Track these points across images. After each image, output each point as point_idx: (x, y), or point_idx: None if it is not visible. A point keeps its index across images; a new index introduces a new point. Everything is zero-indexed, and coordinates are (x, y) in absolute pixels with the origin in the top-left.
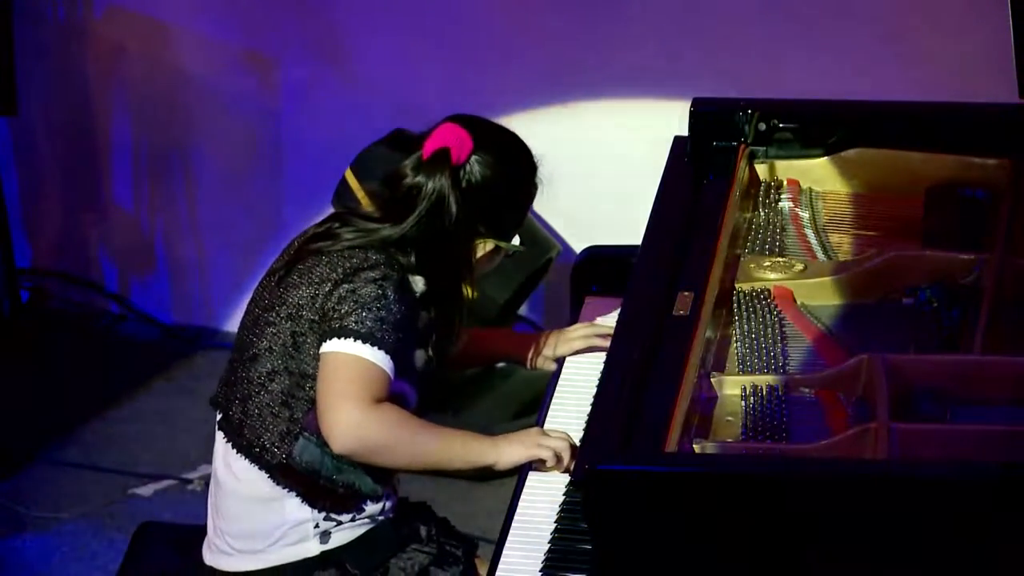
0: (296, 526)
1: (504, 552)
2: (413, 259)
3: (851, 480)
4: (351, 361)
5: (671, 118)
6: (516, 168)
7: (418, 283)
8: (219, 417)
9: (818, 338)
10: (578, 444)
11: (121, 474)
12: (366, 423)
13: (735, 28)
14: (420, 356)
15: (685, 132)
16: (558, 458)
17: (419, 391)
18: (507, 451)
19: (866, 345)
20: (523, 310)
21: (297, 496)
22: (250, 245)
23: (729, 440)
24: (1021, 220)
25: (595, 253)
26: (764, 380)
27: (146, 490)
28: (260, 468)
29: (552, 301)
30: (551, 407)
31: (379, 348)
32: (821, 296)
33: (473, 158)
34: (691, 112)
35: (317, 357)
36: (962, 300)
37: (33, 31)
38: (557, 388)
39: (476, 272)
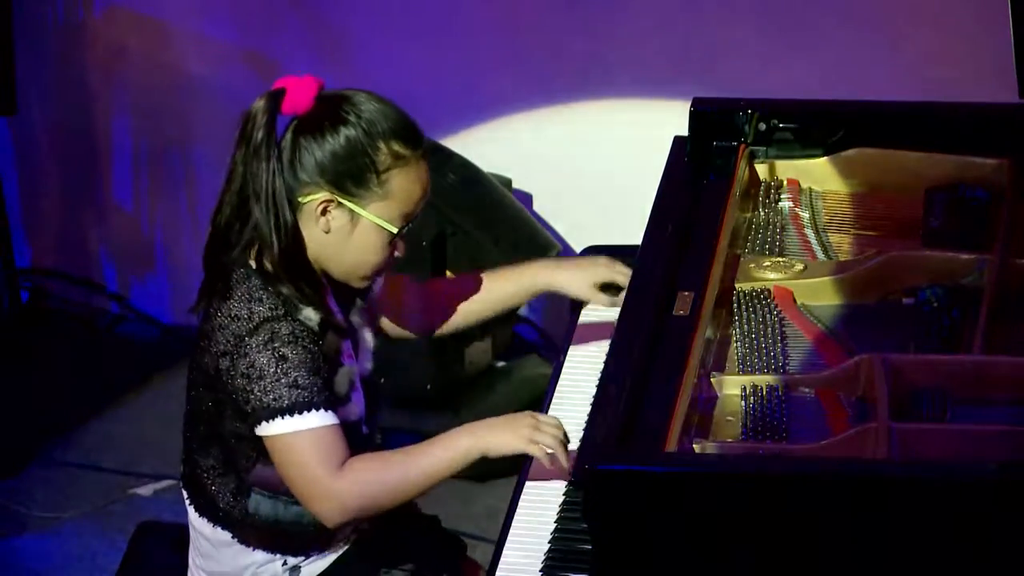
0: (264, 565)
1: (504, 552)
2: (286, 276)
3: (851, 480)
4: (295, 442)
5: (671, 118)
6: (355, 125)
7: (311, 318)
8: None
9: (818, 338)
10: (569, 437)
11: (121, 474)
12: (343, 495)
13: (735, 28)
14: (345, 372)
15: (685, 132)
16: (552, 458)
17: (365, 394)
18: (495, 439)
19: (866, 345)
20: (523, 310)
21: (263, 549)
22: None
23: (729, 440)
24: (1021, 220)
25: (595, 253)
26: (764, 380)
27: (146, 490)
28: (223, 528)
29: (552, 301)
30: (551, 407)
31: (309, 411)
32: (821, 296)
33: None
34: (691, 112)
35: (243, 421)
36: (962, 300)
37: (33, 31)
38: (557, 388)
39: (355, 252)
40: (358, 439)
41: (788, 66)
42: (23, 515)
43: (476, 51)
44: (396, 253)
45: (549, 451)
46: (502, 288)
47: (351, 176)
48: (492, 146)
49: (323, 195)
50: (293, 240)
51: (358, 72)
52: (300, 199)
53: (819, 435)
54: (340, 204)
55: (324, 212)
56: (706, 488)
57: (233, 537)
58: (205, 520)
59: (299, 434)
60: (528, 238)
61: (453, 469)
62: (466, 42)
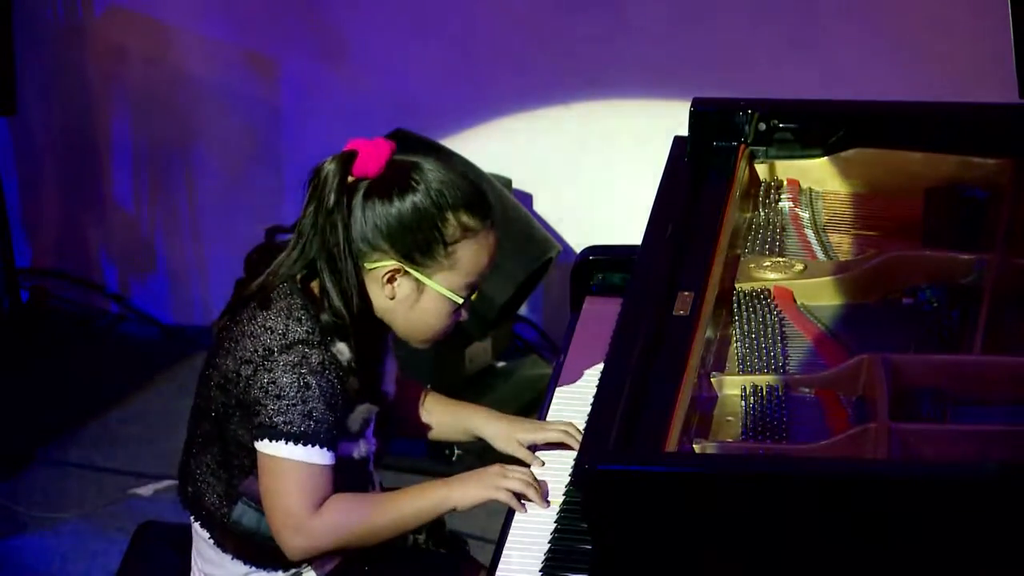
0: (264, 570)
1: (504, 552)
2: (330, 310)
3: (851, 480)
4: (289, 469)
5: (671, 118)
6: (425, 193)
7: (343, 352)
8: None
9: (818, 338)
10: (540, 479)
11: (121, 474)
12: (314, 533)
13: (735, 28)
14: (361, 412)
15: (685, 132)
16: (521, 500)
17: (376, 427)
18: (463, 493)
19: (866, 345)
20: (523, 310)
21: (239, 560)
22: (250, 245)
23: (729, 440)
24: (1021, 220)
25: (595, 253)
26: (764, 380)
27: (146, 490)
28: (202, 526)
29: (552, 301)
30: (551, 407)
31: (314, 445)
32: (821, 296)
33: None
34: (691, 112)
35: (247, 431)
36: (962, 300)
37: (33, 31)
38: (557, 388)
39: (413, 321)
40: (361, 476)
41: (788, 66)
42: (23, 515)
43: (476, 51)
44: (460, 319)
45: (523, 494)
46: (442, 413)
47: (418, 246)
48: (492, 146)
49: (391, 264)
50: (360, 301)
51: (357, 72)
52: (367, 264)
53: (819, 435)
54: (406, 273)
55: (390, 280)
56: (706, 488)
57: (210, 538)
58: (190, 515)
59: (295, 463)
60: (528, 238)
61: (422, 520)
62: (466, 42)
